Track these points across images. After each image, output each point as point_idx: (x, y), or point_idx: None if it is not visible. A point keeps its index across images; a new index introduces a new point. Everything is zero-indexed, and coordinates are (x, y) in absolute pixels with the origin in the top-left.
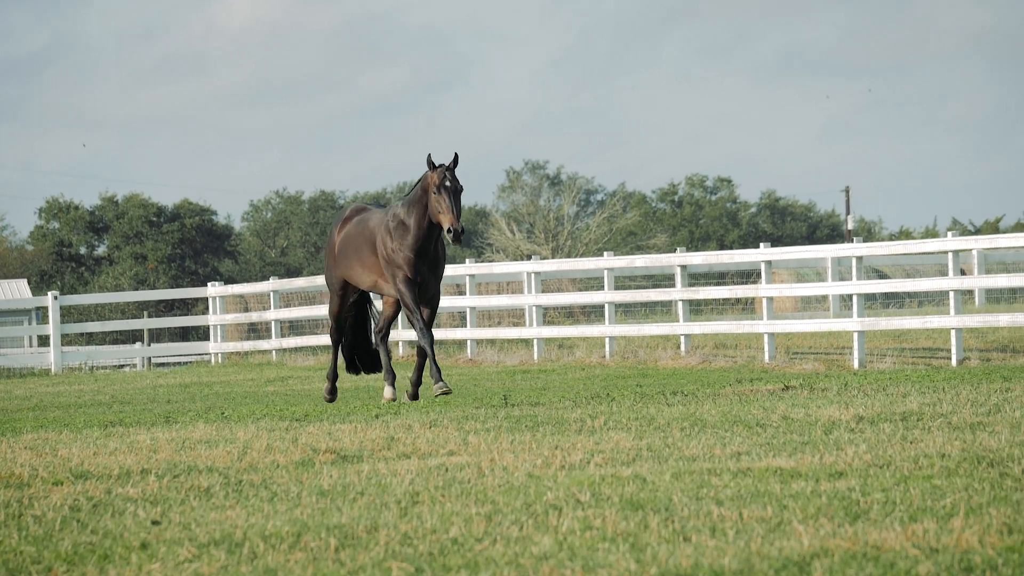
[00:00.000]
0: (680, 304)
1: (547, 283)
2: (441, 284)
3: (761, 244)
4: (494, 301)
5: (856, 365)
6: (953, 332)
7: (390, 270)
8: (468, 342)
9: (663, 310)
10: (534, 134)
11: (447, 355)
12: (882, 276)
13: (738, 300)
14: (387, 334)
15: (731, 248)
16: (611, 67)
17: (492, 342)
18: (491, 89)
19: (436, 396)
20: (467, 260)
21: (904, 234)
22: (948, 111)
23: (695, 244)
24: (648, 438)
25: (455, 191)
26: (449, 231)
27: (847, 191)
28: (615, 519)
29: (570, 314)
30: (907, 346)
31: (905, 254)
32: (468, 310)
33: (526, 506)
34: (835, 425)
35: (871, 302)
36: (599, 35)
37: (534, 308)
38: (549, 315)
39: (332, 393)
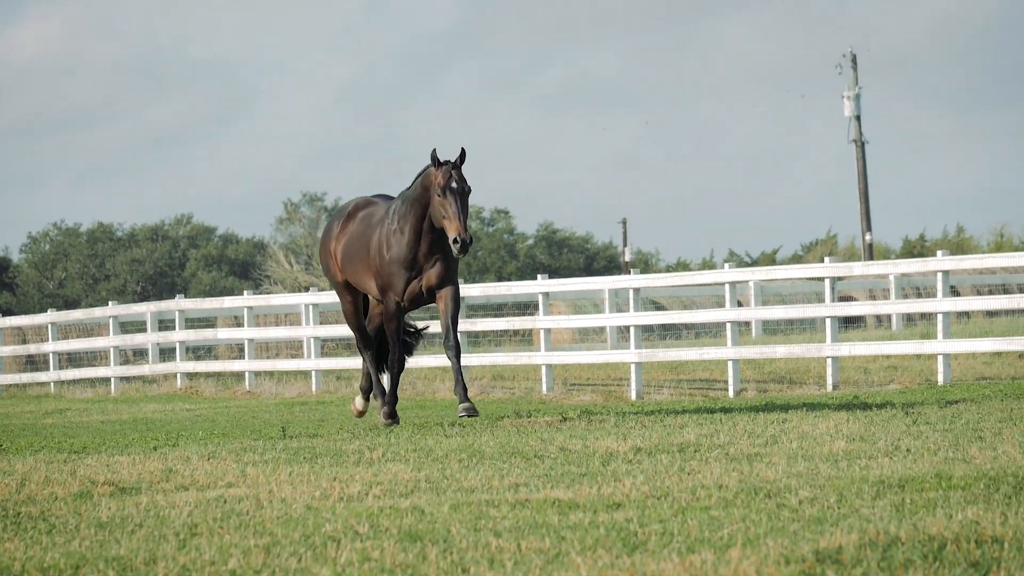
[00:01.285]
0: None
1: (325, 315)
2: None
3: (539, 276)
4: (272, 333)
5: (634, 396)
6: (730, 363)
7: (380, 284)
8: (247, 374)
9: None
10: (317, 166)
11: (224, 387)
12: (659, 307)
13: (516, 332)
14: (378, 337)
15: (509, 280)
16: (395, 99)
17: (271, 374)
18: (275, 121)
19: (460, 417)
20: (245, 292)
21: (681, 266)
22: (725, 144)
23: (473, 276)
24: (426, 469)
25: (462, 193)
26: (455, 241)
27: (624, 223)
28: (393, 551)
29: (348, 345)
30: (684, 377)
31: (682, 286)
32: (246, 342)
33: (304, 538)
34: (613, 456)
35: (648, 333)
36: (384, 67)
37: (312, 340)
38: (327, 347)
39: (391, 417)
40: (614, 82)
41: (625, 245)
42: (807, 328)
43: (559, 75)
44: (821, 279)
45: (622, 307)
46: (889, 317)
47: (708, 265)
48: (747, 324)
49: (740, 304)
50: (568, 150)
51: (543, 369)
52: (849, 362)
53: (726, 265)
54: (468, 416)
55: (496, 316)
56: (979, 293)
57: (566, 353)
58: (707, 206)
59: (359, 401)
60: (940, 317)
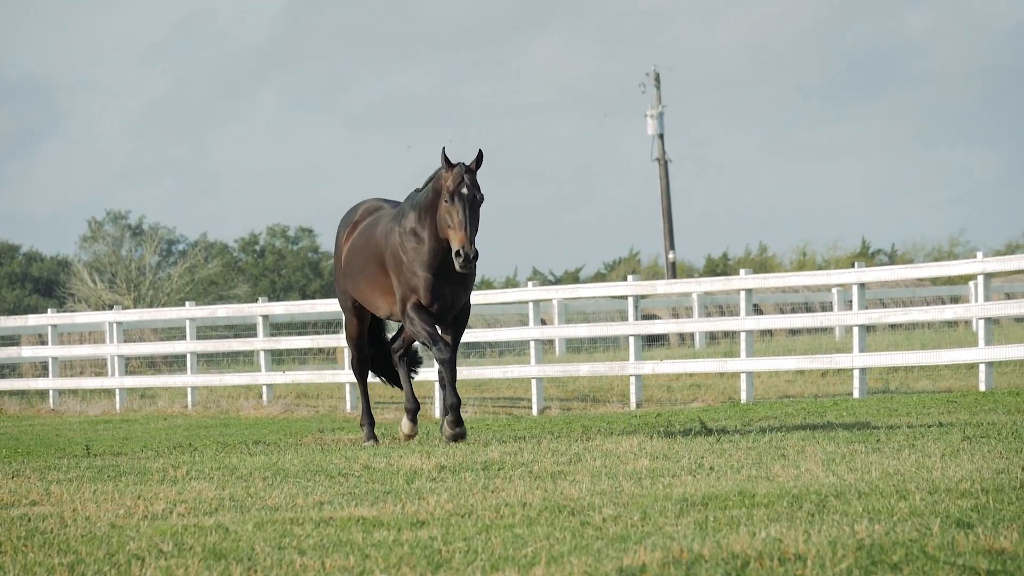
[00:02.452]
0: (263, 354)
1: (129, 333)
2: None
3: None
4: (76, 351)
5: (437, 415)
6: (534, 381)
7: (400, 291)
8: (50, 392)
9: (246, 360)
10: (124, 184)
11: (28, 405)
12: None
13: (320, 350)
14: (408, 351)
15: (313, 298)
16: (206, 118)
17: (75, 392)
18: (84, 139)
19: (447, 439)
20: (49, 310)
21: (485, 284)
22: (531, 162)
23: (277, 294)
24: (231, 488)
25: (472, 201)
26: (458, 254)
27: None
28: (198, 569)
29: (152, 364)
30: (489, 395)
31: (486, 304)
32: (50, 360)
33: (109, 556)
34: (417, 474)
35: None
36: (195, 85)
37: (116, 358)
38: (131, 365)
39: (371, 438)
40: (424, 100)
41: None
42: (611, 346)
43: (369, 93)
44: (624, 297)
45: None
46: (692, 335)
47: (512, 283)
48: (551, 342)
49: (544, 322)
50: (375, 168)
51: (347, 387)
52: (652, 380)
53: (530, 283)
54: (457, 440)
55: (301, 334)
56: (782, 311)
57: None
58: (512, 224)
59: (406, 424)
60: (743, 335)
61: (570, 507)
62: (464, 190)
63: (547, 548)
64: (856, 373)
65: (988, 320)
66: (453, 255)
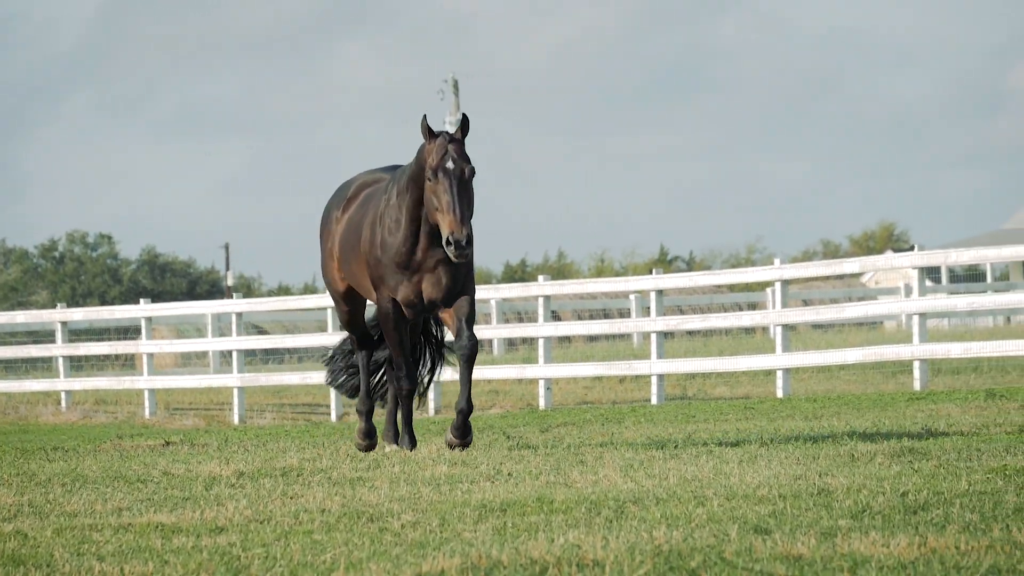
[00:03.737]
0: (60, 360)
1: None
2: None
3: (141, 300)
4: None
5: (237, 420)
6: (332, 388)
7: (371, 276)
8: None
9: (44, 366)
10: None
11: None
12: (262, 332)
13: (119, 356)
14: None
15: (113, 304)
16: (13, 123)
17: None
18: None
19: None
20: None
21: (283, 290)
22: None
23: (77, 300)
24: (29, 494)
25: (460, 176)
26: (448, 242)
27: (227, 248)
28: None
29: None
30: (287, 402)
31: (285, 310)
32: None
33: None
34: (216, 480)
35: (251, 358)
36: (3, 90)
37: None
38: None
39: (369, 436)
40: (229, 108)
41: (228, 270)
42: None
43: (176, 100)
44: None
45: (225, 332)
46: (491, 342)
47: (309, 290)
48: None
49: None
50: (177, 176)
51: (146, 393)
52: (452, 387)
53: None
54: (462, 447)
55: (99, 340)
56: (580, 318)
57: (168, 377)
58: (310, 231)
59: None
60: (541, 342)
61: (369, 513)
62: (449, 163)
63: (346, 554)
64: (654, 379)
65: (785, 327)
66: (444, 243)
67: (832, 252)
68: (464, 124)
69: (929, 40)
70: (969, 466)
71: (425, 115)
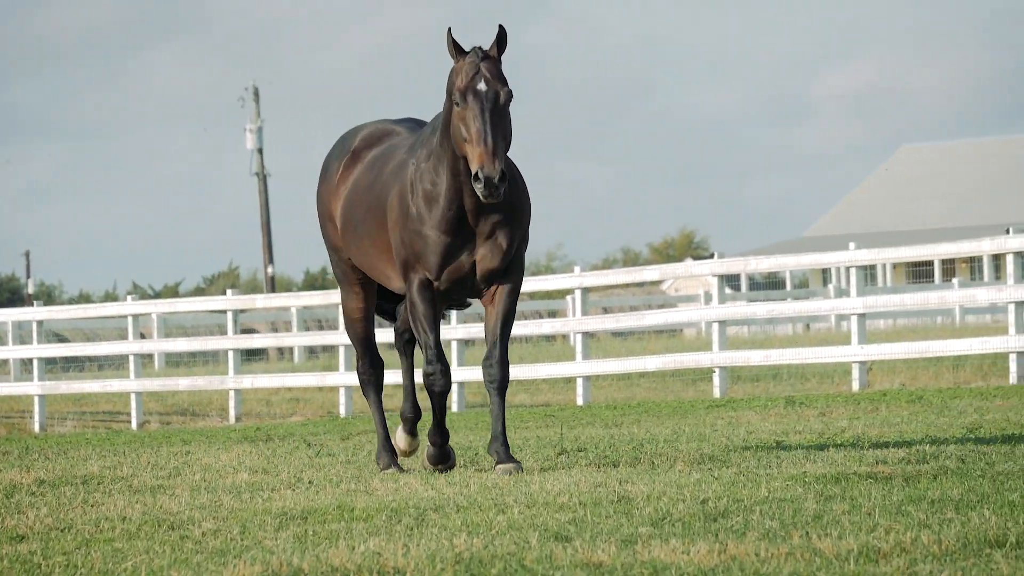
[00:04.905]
0: None
1: None
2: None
3: None
4: None
5: (37, 428)
6: (133, 395)
7: (402, 256)
8: None
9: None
10: None
11: None
12: (63, 340)
13: None
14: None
15: None
16: None
17: None
18: None
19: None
20: None
21: (84, 298)
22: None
23: None
24: None
25: (494, 99)
26: (476, 177)
27: (27, 255)
28: None
29: None
30: (88, 409)
31: (86, 318)
32: None
33: None
34: (16, 489)
35: (52, 365)
36: None
37: None
38: None
39: (391, 455)
40: (30, 115)
41: (28, 277)
42: (210, 360)
43: None
44: (224, 312)
45: (25, 339)
46: (292, 349)
47: (111, 297)
48: (150, 356)
49: (143, 336)
50: None
51: None
52: (252, 394)
53: (129, 297)
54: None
55: None
56: (380, 325)
57: None
58: (113, 239)
59: (402, 437)
60: (341, 349)
61: (170, 521)
62: (481, 85)
63: (147, 562)
64: (455, 387)
65: (585, 334)
66: (472, 179)
67: (632, 260)
68: (501, 38)
69: (734, 50)
70: (769, 473)
71: (450, 28)
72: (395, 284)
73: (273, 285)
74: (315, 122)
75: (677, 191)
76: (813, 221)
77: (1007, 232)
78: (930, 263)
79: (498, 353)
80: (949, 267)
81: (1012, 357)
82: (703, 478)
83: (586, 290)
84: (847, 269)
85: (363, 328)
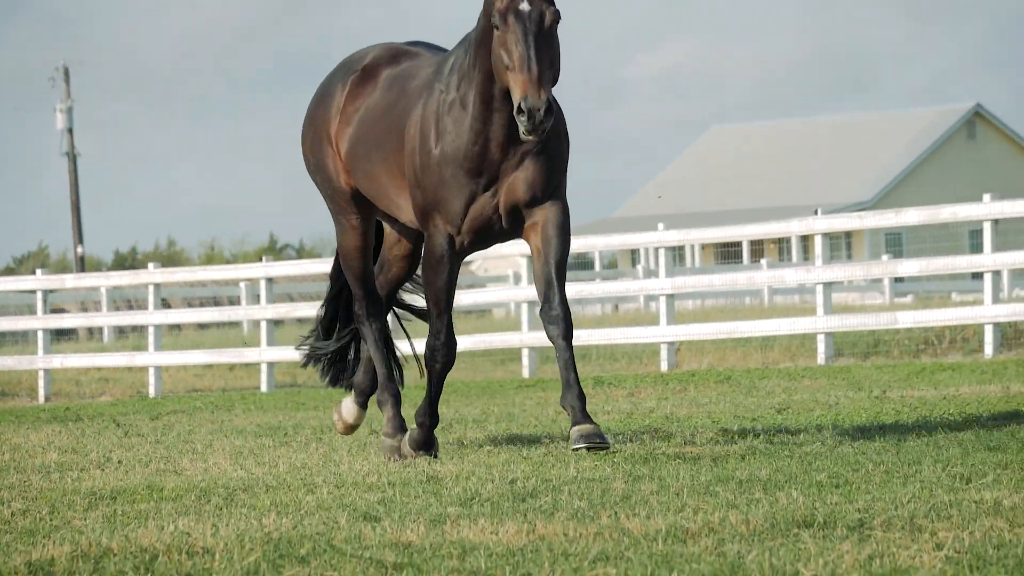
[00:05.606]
0: None
1: None
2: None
3: None
4: None
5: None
6: None
7: (421, 200)
8: None
9: None
10: None
11: None
12: None
13: None
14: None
15: None
16: None
17: None
18: None
19: (575, 450)
20: None
21: None
22: None
23: None
24: None
25: (539, 20)
26: (520, 109)
27: None
28: None
29: None
30: None
31: None
32: None
33: None
34: None
35: None
36: None
37: None
38: None
39: (403, 430)
40: None
41: None
42: (20, 340)
43: None
44: (33, 291)
45: None
46: (101, 329)
47: None
48: None
49: None
50: None
51: None
52: (61, 374)
53: None
54: (591, 449)
55: None
56: (191, 305)
57: None
58: None
59: (348, 407)
60: (151, 329)
61: None
62: (524, 4)
63: None
64: (264, 367)
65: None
66: (515, 112)
67: None
68: None
69: None
70: (577, 452)
71: None
72: (404, 216)
73: (83, 265)
74: (127, 103)
75: None
76: (623, 202)
77: (815, 213)
78: (739, 244)
79: (558, 296)
80: (758, 248)
81: (820, 338)
82: (512, 458)
83: None
84: (656, 250)
85: (361, 266)
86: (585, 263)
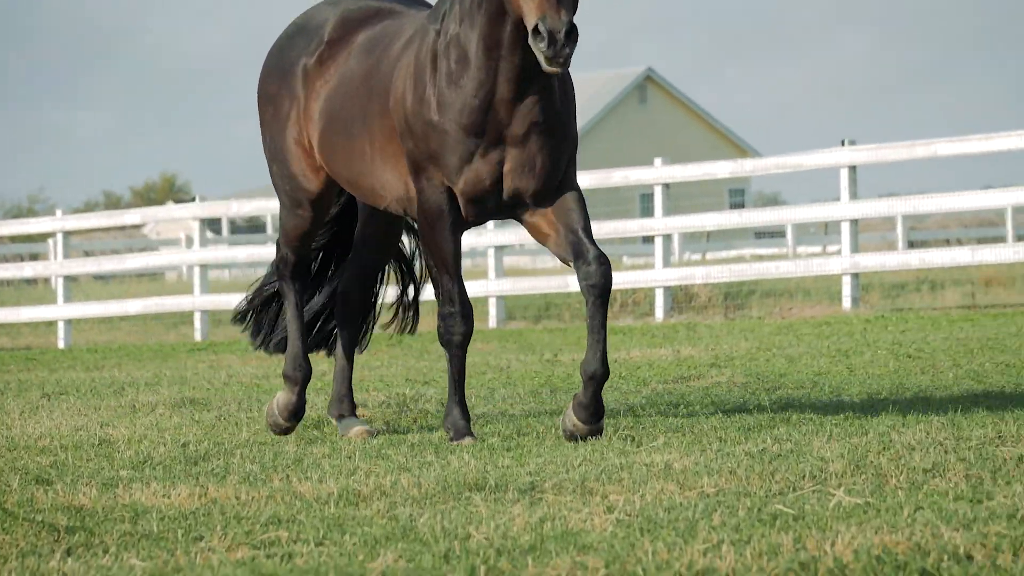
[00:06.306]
0: None
1: None
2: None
3: None
4: None
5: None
6: None
7: (414, 159)
8: None
9: None
10: None
11: None
12: None
13: None
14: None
15: None
16: None
17: None
18: None
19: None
20: None
21: None
22: None
23: None
24: None
25: None
26: (537, 32)
27: None
28: None
29: None
30: None
31: None
32: None
33: None
34: None
35: None
36: None
37: None
38: None
39: (295, 412)
40: None
41: None
42: None
43: None
44: None
45: None
46: None
47: None
48: None
49: None
50: None
51: None
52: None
53: None
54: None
55: None
56: None
57: None
58: None
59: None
60: None
61: None
62: None
63: None
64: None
65: (67, 278)
66: (531, 37)
67: (114, 203)
68: None
69: None
70: (250, 416)
71: None
72: (391, 193)
73: None
74: None
75: (162, 136)
76: None
77: None
78: None
79: (594, 248)
80: None
81: (492, 301)
82: (184, 421)
83: (68, 233)
84: None
85: (297, 251)
86: (258, 227)
